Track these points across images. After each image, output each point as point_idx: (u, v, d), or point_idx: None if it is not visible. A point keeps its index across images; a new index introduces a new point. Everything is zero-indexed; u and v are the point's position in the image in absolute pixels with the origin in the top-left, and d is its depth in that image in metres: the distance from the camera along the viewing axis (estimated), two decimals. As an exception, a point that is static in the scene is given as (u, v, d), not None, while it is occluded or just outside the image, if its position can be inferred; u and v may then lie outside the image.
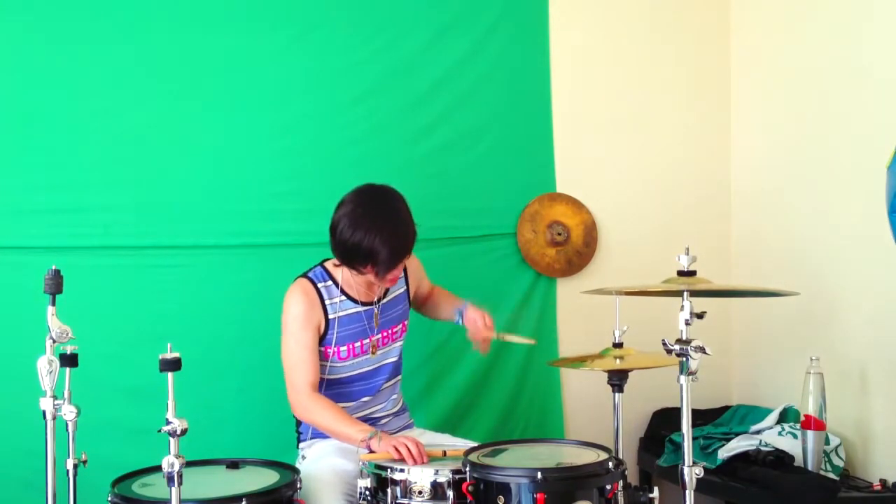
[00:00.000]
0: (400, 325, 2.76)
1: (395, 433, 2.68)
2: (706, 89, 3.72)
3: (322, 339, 2.62)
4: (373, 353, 2.68)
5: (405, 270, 2.76)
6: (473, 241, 3.39)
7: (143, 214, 3.00)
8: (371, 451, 2.38)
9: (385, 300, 2.71)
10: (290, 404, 2.59)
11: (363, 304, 2.67)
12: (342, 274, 2.64)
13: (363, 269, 2.53)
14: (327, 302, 2.62)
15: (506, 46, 3.43)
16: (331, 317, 2.61)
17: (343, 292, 2.64)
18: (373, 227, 2.46)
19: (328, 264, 2.68)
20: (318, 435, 2.66)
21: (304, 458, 2.65)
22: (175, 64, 3.05)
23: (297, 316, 2.57)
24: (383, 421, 2.72)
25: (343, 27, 3.23)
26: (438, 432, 2.83)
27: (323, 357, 2.63)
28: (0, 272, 2.88)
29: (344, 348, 2.64)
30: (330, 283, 2.64)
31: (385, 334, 2.72)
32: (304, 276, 2.65)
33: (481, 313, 2.70)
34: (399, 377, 2.81)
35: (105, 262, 2.96)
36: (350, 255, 2.51)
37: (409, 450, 2.33)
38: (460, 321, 2.76)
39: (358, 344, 2.65)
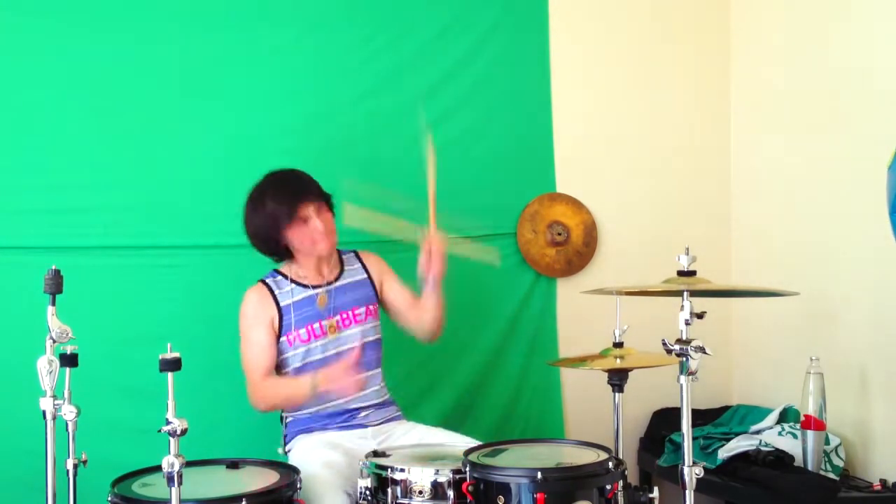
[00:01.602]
0: (363, 309, 2.77)
1: (378, 425, 2.73)
2: (706, 87, 3.72)
3: (280, 330, 2.69)
4: (332, 332, 2.71)
5: (361, 261, 2.84)
6: (474, 242, 3.39)
7: (143, 214, 3.01)
8: (327, 392, 2.55)
9: (338, 283, 2.77)
10: (252, 403, 2.66)
11: (314, 287, 2.73)
12: (290, 267, 2.74)
13: (278, 235, 2.64)
14: (277, 292, 2.71)
15: (506, 46, 3.44)
16: (283, 304, 2.70)
17: (293, 281, 2.72)
18: (261, 191, 2.66)
19: (280, 267, 2.78)
20: (302, 431, 2.70)
21: (291, 458, 2.66)
22: (175, 64, 3.06)
23: (246, 315, 2.69)
24: (364, 413, 2.73)
25: (344, 27, 3.24)
26: (432, 426, 2.81)
27: (287, 346, 2.69)
28: (0, 272, 2.88)
29: (303, 331, 2.69)
30: (279, 277, 2.75)
31: (345, 316, 2.74)
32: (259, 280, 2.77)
33: (430, 243, 2.70)
34: (378, 370, 2.80)
35: (105, 262, 2.97)
36: (258, 228, 2.66)
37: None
38: (426, 274, 2.72)
39: (317, 325, 2.70)
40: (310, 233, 2.65)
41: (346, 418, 2.71)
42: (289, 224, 2.63)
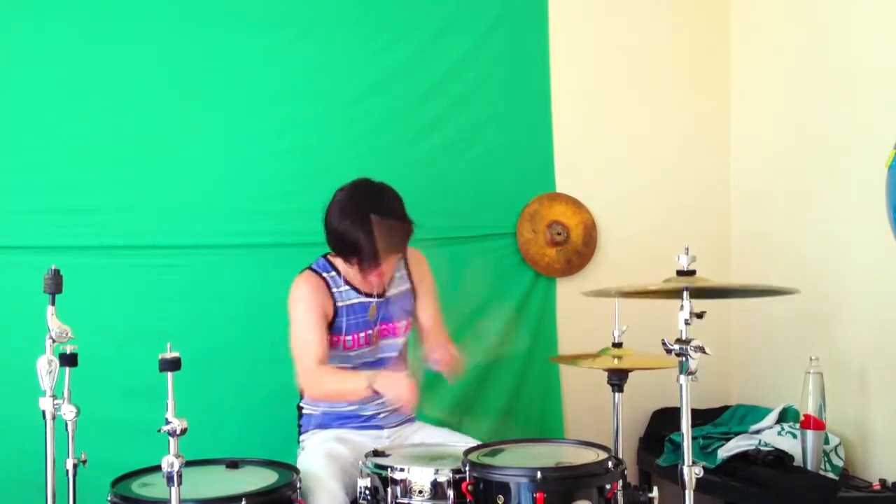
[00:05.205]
0: (404, 322, 2.75)
1: (393, 427, 2.72)
2: (706, 88, 3.72)
3: (331, 327, 2.63)
4: (374, 343, 2.68)
5: (408, 266, 2.78)
6: (473, 241, 3.39)
7: (143, 214, 3.01)
8: (377, 394, 2.46)
9: (388, 293, 2.72)
10: (300, 387, 2.62)
11: (366, 294, 2.68)
12: (344, 264, 2.65)
13: (350, 260, 2.55)
14: (334, 290, 2.64)
15: (506, 46, 3.44)
16: (339, 304, 2.63)
17: (346, 282, 2.65)
18: (360, 219, 2.48)
19: (330, 256, 2.69)
20: (319, 426, 2.69)
21: (303, 448, 2.67)
22: (175, 64, 3.07)
23: (303, 299, 2.59)
24: (383, 415, 2.72)
25: (343, 27, 3.24)
26: (438, 427, 2.82)
27: (331, 346, 2.64)
28: (0, 272, 2.88)
29: (349, 338, 2.65)
30: (334, 273, 2.67)
31: (384, 327, 2.72)
32: (309, 268, 2.67)
33: (445, 348, 2.66)
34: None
35: (105, 262, 2.97)
36: (337, 243, 2.55)
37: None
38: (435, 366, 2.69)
39: (363, 334, 2.67)
40: (370, 270, 2.57)
41: (364, 420, 2.70)
42: (362, 261, 2.53)
